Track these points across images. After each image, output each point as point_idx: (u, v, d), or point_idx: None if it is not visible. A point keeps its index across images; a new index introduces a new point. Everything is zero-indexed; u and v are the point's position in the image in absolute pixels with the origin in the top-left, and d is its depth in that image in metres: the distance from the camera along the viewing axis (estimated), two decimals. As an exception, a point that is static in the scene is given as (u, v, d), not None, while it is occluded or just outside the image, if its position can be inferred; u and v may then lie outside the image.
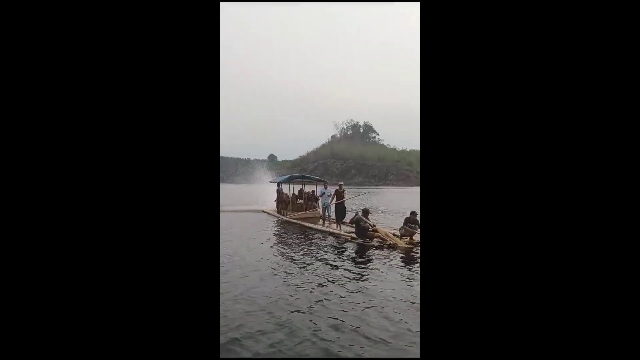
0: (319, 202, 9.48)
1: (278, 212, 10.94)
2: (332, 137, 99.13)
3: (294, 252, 5.51)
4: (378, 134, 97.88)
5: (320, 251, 5.56)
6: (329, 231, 7.32)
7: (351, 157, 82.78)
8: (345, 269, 4.34)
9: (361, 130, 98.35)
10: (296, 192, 10.87)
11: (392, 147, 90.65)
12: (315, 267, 4.47)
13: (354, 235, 6.46)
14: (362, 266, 4.51)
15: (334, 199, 8.10)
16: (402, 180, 75.56)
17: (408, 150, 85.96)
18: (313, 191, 10.38)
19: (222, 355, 2.07)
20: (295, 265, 4.52)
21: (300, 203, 10.25)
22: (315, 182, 11.06)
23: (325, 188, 9.01)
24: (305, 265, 4.55)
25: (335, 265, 4.53)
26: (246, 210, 12.53)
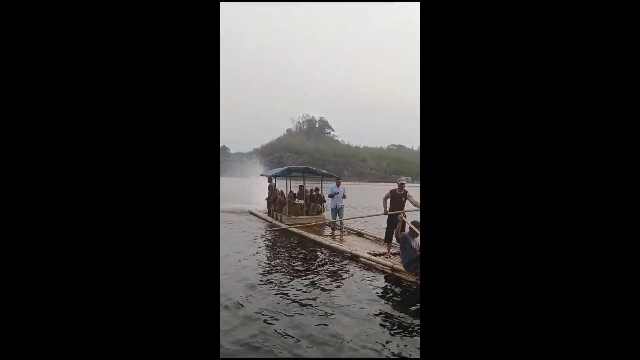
0: (328, 204, 7.82)
1: (269, 214, 8.97)
2: (287, 130, 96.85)
3: (285, 298, 3.14)
4: (333, 129, 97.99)
5: (334, 293, 3.20)
6: (350, 253, 4.74)
7: (307, 152, 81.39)
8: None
9: (317, 126, 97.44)
10: (294, 190, 8.92)
11: (346, 143, 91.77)
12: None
13: (398, 265, 3.95)
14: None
15: (387, 202, 4.95)
16: (356, 176, 76.96)
17: (361, 147, 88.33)
18: (317, 189, 8.56)
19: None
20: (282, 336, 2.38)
21: (300, 204, 8.33)
22: (322, 177, 8.75)
23: (338, 186, 7.25)
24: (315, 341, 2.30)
25: (382, 344, 2.27)
26: (229, 210, 10.15)
